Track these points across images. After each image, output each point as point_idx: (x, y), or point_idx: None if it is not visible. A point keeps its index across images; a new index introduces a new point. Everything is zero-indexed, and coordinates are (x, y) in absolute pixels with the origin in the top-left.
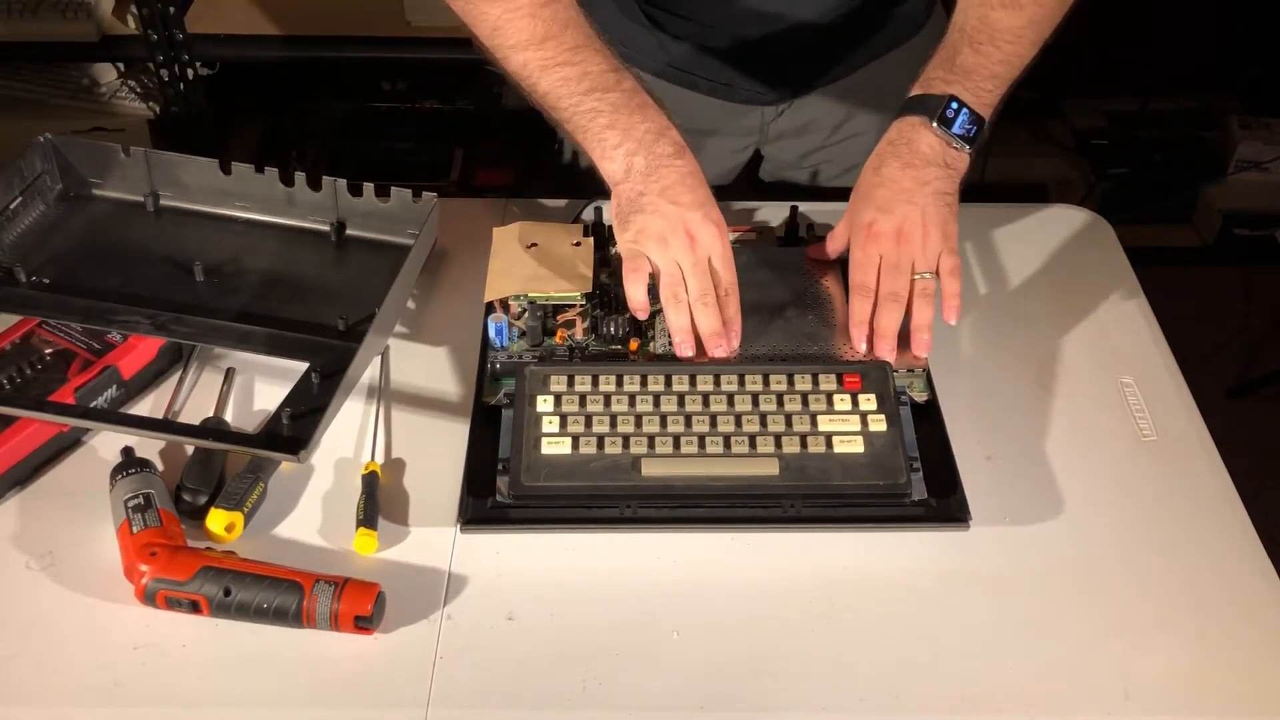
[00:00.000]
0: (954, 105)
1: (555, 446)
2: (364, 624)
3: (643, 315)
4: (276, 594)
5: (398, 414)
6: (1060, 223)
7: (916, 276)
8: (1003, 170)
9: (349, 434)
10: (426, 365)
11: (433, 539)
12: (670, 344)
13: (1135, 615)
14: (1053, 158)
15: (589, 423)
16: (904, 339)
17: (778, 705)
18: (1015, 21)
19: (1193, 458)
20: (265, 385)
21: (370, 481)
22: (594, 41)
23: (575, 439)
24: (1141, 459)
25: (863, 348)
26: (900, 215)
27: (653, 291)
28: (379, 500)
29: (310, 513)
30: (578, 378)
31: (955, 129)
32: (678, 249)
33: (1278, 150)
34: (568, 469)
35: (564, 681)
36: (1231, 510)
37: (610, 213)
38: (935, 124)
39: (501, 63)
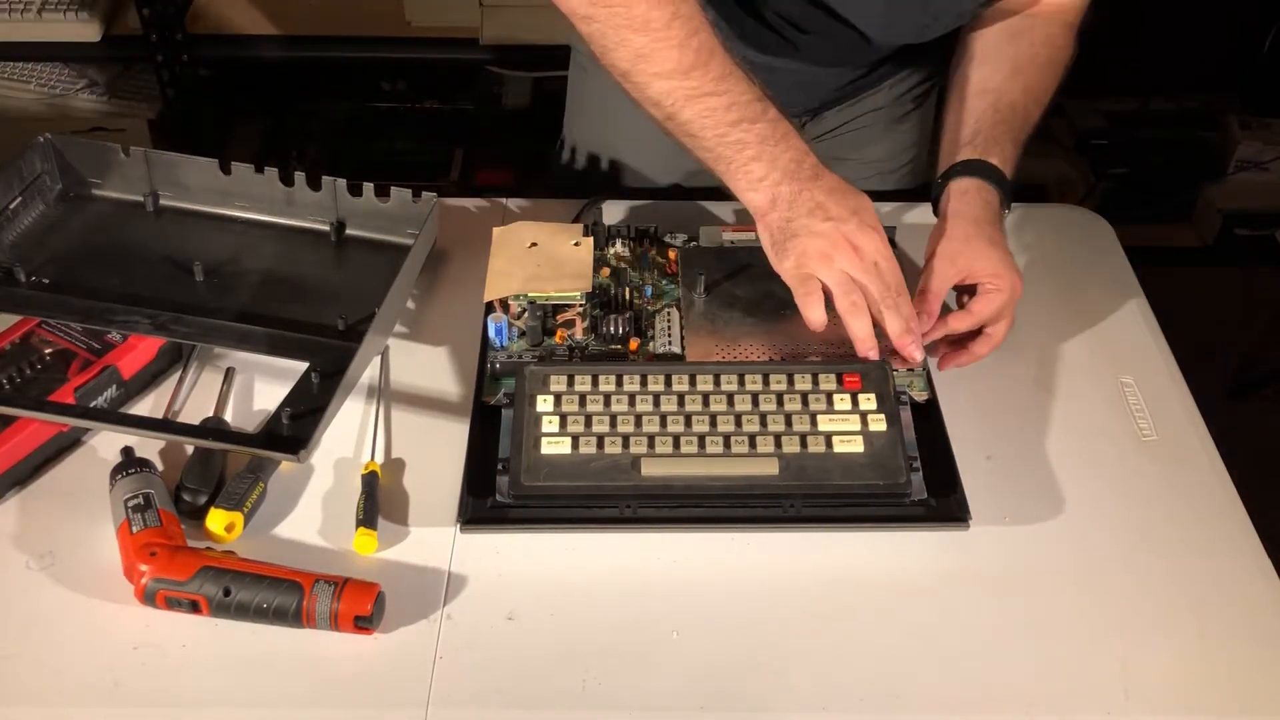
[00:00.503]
0: (1011, 193)
1: (555, 446)
2: (364, 624)
3: (821, 329)
4: (276, 594)
5: (398, 414)
6: (1060, 223)
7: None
8: None
9: (349, 434)
10: (426, 365)
11: (432, 539)
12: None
13: (1135, 615)
14: (1053, 158)
15: (589, 422)
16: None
17: (778, 705)
18: (1037, 118)
19: (1193, 458)
20: (265, 385)
21: (370, 481)
22: (738, 69)
23: (575, 439)
24: (1141, 459)
25: (871, 355)
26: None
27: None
28: (379, 500)
29: (310, 513)
30: (578, 378)
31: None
32: (844, 261)
33: (1278, 150)
34: (568, 469)
35: (564, 681)
36: (1231, 510)
37: (763, 242)
38: (1006, 210)
39: (638, 88)
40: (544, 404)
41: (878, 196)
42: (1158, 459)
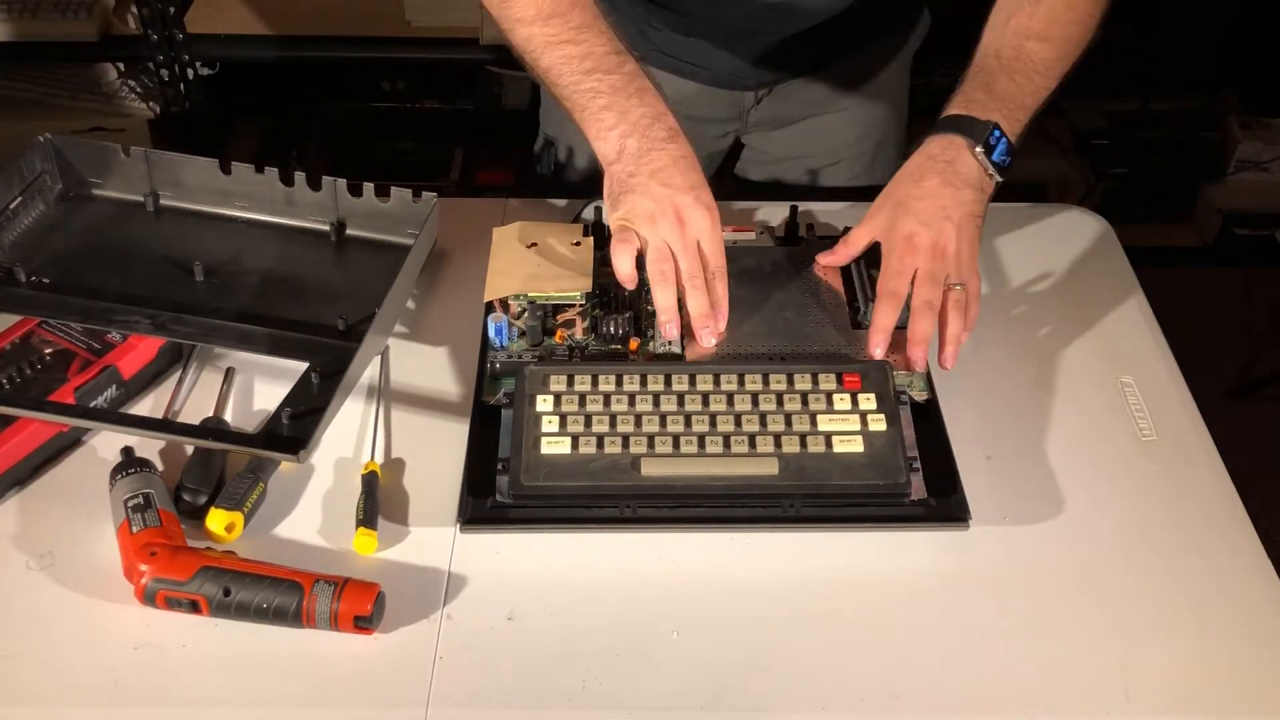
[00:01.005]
0: (996, 133)
1: (555, 446)
2: (364, 624)
3: (630, 285)
4: (276, 594)
5: (398, 414)
6: (1060, 223)
7: (951, 287)
8: None
9: (349, 434)
10: (426, 365)
11: (432, 539)
12: (657, 331)
13: (1135, 615)
14: (1053, 158)
15: (589, 422)
16: (896, 348)
17: (778, 705)
18: (1047, 55)
19: (1193, 458)
20: (265, 385)
21: (370, 481)
22: (599, 22)
23: (575, 439)
24: (1141, 459)
25: (877, 353)
26: (938, 230)
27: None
28: (379, 500)
29: (310, 513)
30: (577, 378)
31: (995, 157)
32: (666, 229)
33: (1278, 150)
34: (567, 469)
35: (564, 681)
36: (1231, 510)
37: (604, 190)
38: (979, 149)
39: (506, 34)
40: (544, 404)
41: (841, 193)
42: (1158, 459)
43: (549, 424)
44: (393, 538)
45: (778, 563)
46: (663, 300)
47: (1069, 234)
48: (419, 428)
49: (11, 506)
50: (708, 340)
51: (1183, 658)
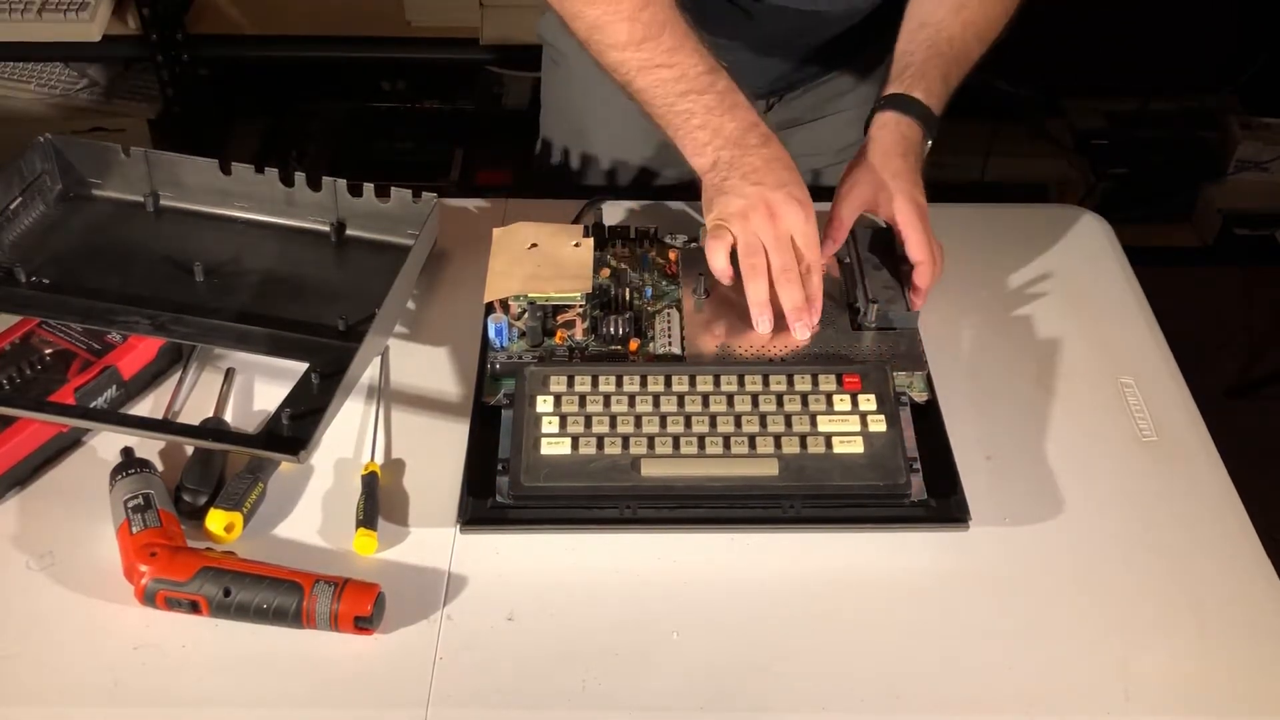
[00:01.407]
0: (937, 124)
1: (555, 447)
2: (364, 624)
3: (726, 280)
4: (276, 594)
5: (398, 414)
6: (1060, 223)
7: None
8: (1003, 170)
9: (349, 434)
10: (426, 365)
11: (432, 539)
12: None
13: (1135, 615)
14: (1053, 158)
15: (589, 423)
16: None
17: (778, 705)
18: (978, 53)
19: (1193, 458)
20: (265, 385)
21: (370, 482)
22: (690, 41)
23: (575, 439)
24: (1141, 459)
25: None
26: (922, 197)
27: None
28: (379, 500)
29: (310, 513)
30: (577, 378)
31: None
32: (758, 223)
33: (1278, 150)
34: (567, 469)
35: (564, 681)
36: (1231, 510)
37: (702, 201)
38: (928, 141)
39: (597, 57)
40: (544, 404)
41: None
42: (1158, 459)
43: (549, 425)
44: (393, 538)
45: (778, 563)
46: (756, 295)
47: (1069, 234)
48: (419, 428)
49: (11, 506)
50: (802, 333)
51: (1183, 658)
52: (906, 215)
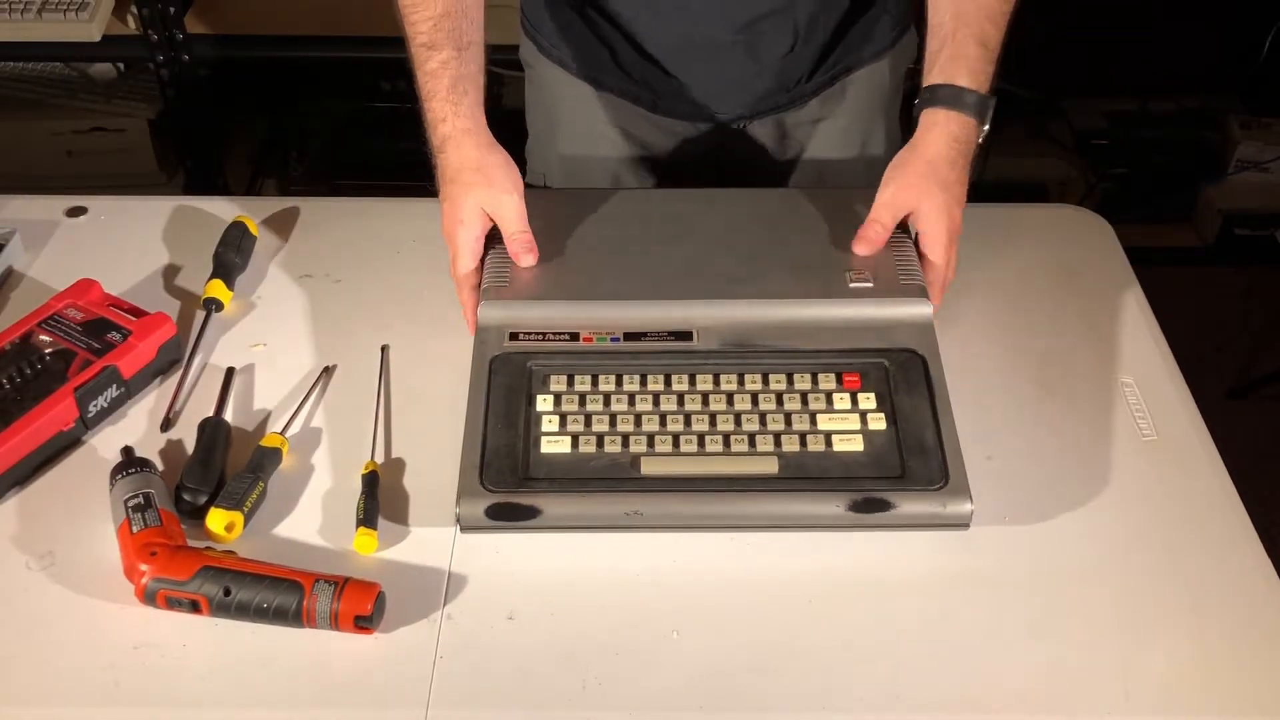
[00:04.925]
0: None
1: (555, 445)
2: (364, 624)
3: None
4: (276, 594)
5: (398, 414)
6: (1060, 223)
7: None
8: (1003, 170)
9: (349, 433)
10: (426, 365)
11: (433, 539)
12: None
13: (1135, 615)
14: (1053, 158)
15: (589, 422)
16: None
17: (778, 705)
18: (998, 40)
19: (1193, 458)
20: (265, 385)
21: (370, 481)
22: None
23: (575, 438)
24: (1141, 459)
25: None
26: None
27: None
28: (379, 500)
29: (310, 513)
30: (577, 377)
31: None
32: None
33: (1278, 150)
34: (568, 468)
35: (564, 681)
36: (1231, 510)
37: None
38: (985, 127)
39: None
40: (544, 403)
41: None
42: (1158, 459)
43: (549, 423)
44: (393, 538)
45: (778, 563)
46: None
47: (1069, 234)
48: (419, 428)
49: (11, 506)
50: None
51: (1183, 658)
52: (934, 236)
